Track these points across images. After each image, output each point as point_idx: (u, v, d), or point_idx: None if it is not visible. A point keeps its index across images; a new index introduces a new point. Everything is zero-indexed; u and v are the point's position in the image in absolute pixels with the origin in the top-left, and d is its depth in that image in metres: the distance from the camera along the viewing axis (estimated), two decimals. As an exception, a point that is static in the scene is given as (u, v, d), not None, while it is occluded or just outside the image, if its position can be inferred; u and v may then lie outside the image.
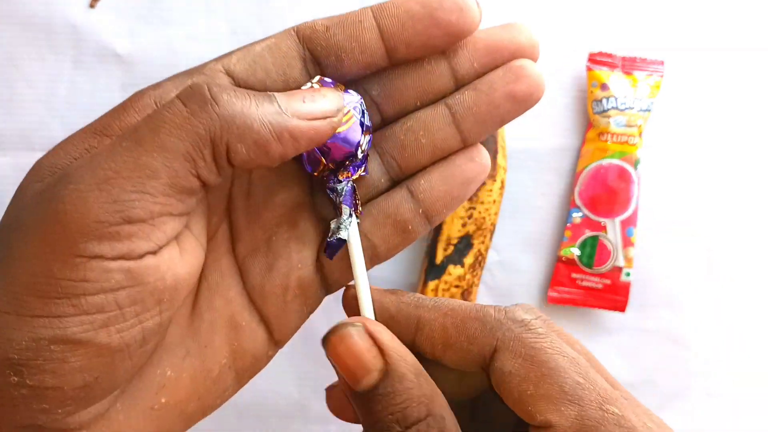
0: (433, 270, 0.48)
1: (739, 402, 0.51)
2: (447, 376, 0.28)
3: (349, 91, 0.28)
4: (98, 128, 0.25)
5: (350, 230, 0.28)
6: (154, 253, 0.24)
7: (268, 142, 0.24)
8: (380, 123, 0.29)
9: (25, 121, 0.49)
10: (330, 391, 0.30)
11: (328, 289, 0.30)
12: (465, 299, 0.48)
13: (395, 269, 0.51)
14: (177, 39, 0.49)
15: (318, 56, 0.27)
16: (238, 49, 0.27)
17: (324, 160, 0.28)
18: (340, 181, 0.28)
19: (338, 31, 0.27)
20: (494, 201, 0.48)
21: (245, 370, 0.29)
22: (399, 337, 0.26)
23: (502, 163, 0.48)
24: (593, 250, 0.49)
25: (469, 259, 0.48)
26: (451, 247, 0.48)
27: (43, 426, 0.24)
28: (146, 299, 0.24)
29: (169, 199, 0.23)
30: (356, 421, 0.30)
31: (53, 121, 0.49)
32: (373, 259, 0.29)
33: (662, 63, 0.49)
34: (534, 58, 0.28)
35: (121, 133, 0.25)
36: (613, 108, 0.49)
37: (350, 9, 0.28)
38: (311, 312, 0.30)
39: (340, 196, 0.28)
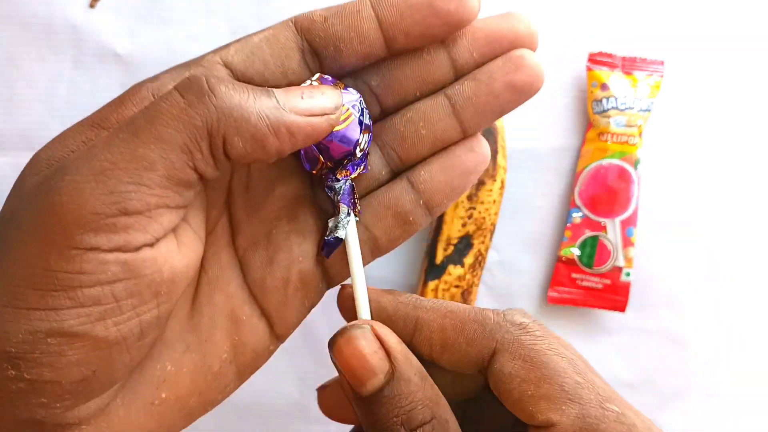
0: (433, 270, 0.48)
1: (739, 402, 0.51)
2: (442, 378, 0.28)
3: (348, 89, 0.28)
4: (95, 121, 0.25)
5: (348, 229, 0.28)
6: (151, 245, 0.24)
7: (264, 136, 0.24)
8: (380, 114, 0.29)
9: (25, 121, 0.49)
10: (322, 391, 0.30)
11: (330, 282, 0.30)
12: (465, 299, 0.48)
13: (395, 269, 0.51)
14: (177, 39, 0.49)
15: (316, 47, 0.27)
16: (236, 41, 0.27)
17: (322, 158, 0.27)
18: (339, 180, 0.28)
19: (336, 22, 0.27)
20: (494, 201, 0.48)
21: (246, 364, 0.29)
22: None
23: (502, 163, 0.48)
24: (593, 250, 0.49)
25: (469, 259, 0.48)
26: (451, 247, 0.48)
27: (43, 421, 0.23)
28: (143, 292, 0.24)
29: (165, 191, 0.23)
30: (350, 422, 0.29)
31: (53, 121, 0.49)
32: (374, 251, 0.29)
33: (662, 63, 0.49)
34: (533, 48, 0.28)
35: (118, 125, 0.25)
36: (613, 108, 0.49)
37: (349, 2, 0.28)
38: (313, 306, 0.30)
39: (338, 194, 0.28)
